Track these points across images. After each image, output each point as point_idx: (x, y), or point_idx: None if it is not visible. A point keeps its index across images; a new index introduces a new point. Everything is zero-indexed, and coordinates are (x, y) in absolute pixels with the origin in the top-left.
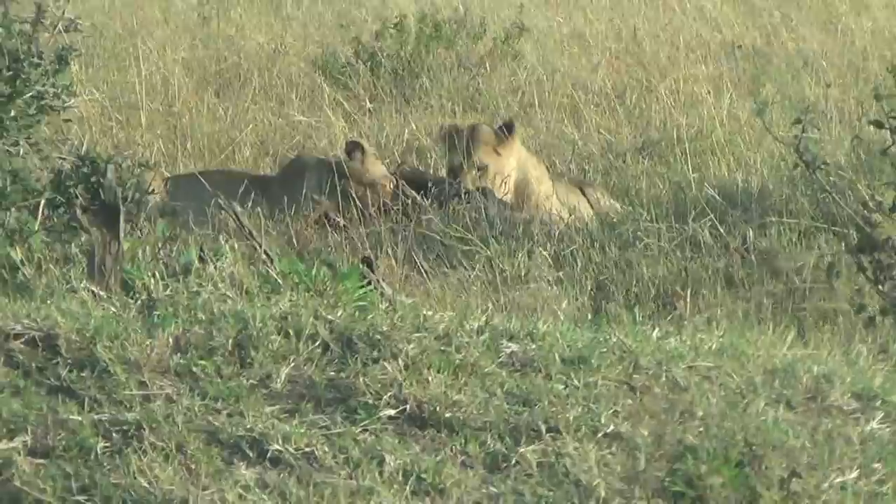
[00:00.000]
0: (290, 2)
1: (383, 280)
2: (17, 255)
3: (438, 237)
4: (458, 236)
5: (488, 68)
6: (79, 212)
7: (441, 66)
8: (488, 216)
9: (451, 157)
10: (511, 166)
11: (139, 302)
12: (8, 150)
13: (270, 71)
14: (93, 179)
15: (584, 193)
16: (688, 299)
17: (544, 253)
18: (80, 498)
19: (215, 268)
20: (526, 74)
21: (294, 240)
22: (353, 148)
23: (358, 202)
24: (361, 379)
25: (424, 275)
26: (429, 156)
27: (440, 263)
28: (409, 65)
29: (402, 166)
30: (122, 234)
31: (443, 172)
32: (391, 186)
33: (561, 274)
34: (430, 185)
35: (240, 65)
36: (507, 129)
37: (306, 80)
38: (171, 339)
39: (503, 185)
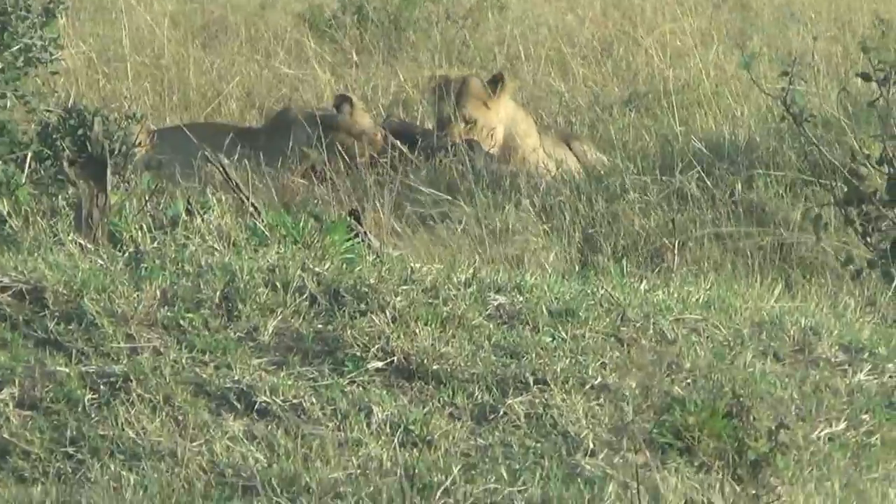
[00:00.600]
0: None
1: (370, 233)
2: (3, 207)
3: (425, 190)
4: (444, 197)
5: (475, 21)
6: (66, 164)
7: (427, 19)
8: (475, 169)
9: (439, 109)
10: (499, 120)
11: (126, 255)
12: None
13: (257, 24)
14: (80, 132)
15: (570, 147)
16: (675, 252)
17: (531, 206)
18: (69, 449)
19: (202, 220)
20: (511, 27)
21: (281, 192)
22: (341, 101)
23: (345, 155)
24: (349, 331)
25: (412, 228)
26: (416, 108)
27: (427, 216)
28: (396, 18)
29: (389, 119)
30: (108, 187)
31: (430, 125)
32: (379, 139)
33: (548, 226)
34: (417, 137)
35: (226, 18)
36: (497, 82)
37: (293, 33)
38: (158, 292)
39: (490, 137)
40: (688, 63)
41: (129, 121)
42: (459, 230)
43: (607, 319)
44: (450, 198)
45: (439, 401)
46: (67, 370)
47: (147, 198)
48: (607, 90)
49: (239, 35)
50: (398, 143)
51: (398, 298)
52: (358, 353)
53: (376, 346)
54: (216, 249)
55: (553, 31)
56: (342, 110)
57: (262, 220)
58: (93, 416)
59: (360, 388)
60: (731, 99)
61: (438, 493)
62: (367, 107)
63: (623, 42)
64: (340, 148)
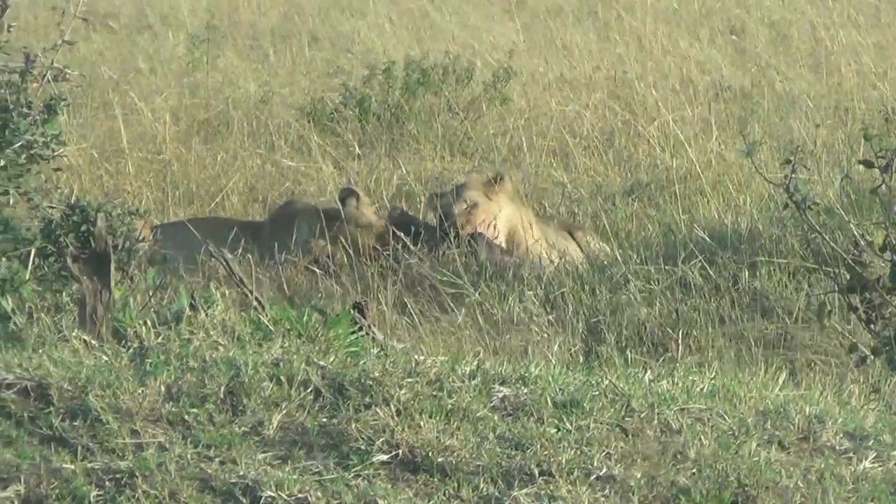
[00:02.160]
0: (278, 50)
1: (374, 325)
2: (7, 304)
3: (429, 281)
4: (449, 280)
5: (477, 113)
6: (69, 260)
7: (429, 111)
8: (479, 260)
9: (441, 202)
10: (501, 211)
11: (131, 350)
12: None
13: (258, 118)
14: (83, 228)
15: (573, 237)
16: (679, 341)
17: (534, 296)
18: None
19: (206, 315)
20: (514, 119)
21: (285, 286)
22: (347, 194)
23: (350, 247)
24: (353, 425)
25: (415, 319)
26: (418, 200)
27: (431, 308)
28: (397, 110)
29: (392, 211)
30: (112, 283)
31: (433, 218)
32: (384, 231)
33: (552, 317)
34: (420, 229)
35: (227, 112)
36: (497, 180)
37: (295, 126)
38: (162, 387)
39: (493, 228)
40: (689, 152)
41: (133, 216)
42: (463, 322)
43: (612, 410)
44: (453, 290)
45: (445, 493)
46: (73, 467)
47: (151, 293)
48: (609, 180)
49: (241, 129)
50: (401, 234)
51: (402, 391)
52: (363, 447)
53: (381, 440)
54: (220, 344)
55: (555, 121)
56: (348, 203)
57: (266, 315)
58: None
59: (366, 482)
60: (732, 188)
61: None
62: (370, 199)
63: (624, 132)
64: (345, 240)
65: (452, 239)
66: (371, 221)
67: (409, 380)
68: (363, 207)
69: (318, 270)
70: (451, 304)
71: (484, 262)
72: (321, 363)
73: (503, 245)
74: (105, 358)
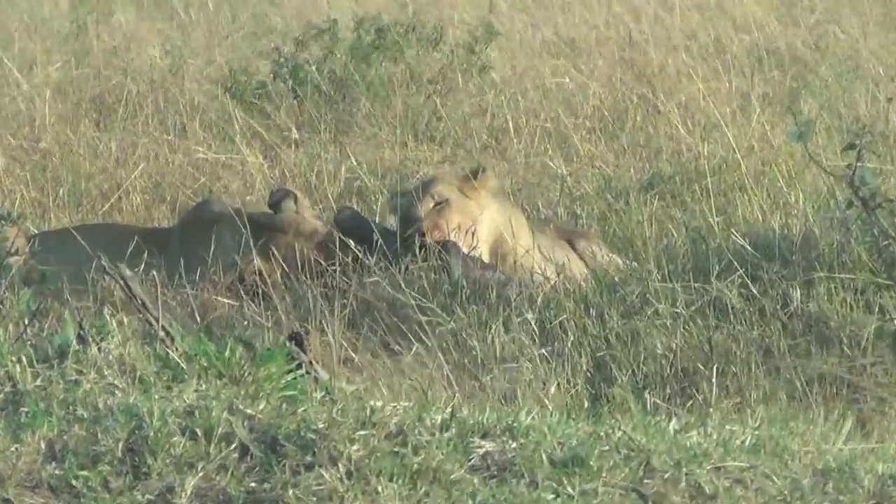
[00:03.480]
0: (190, 4)
1: (317, 362)
2: None
3: (388, 304)
4: (414, 304)
5: (448, 85)
6: None
7: (386, 83)
8: (452, 277)
9: (403, 203)
10: (481, 213)
11: (1, 396)
12: None
13: (166, 94)
14: None
15: (574, 246)
16: (713, 380)
17: (525, 324)
18: None
19: (99, 350)
20: (496, 93)
21: (198, 313)
22: (282, 196)
23: (285, 262)
24: (291, 491)
25: (371, 354)
26: (374, 199)
27: (391, 339)
28: (345, 83)
29: (341, 212)
30: None
31: (393, 221)
32: (330, 240)
33: (547, 350)
34: (375, 237)
35: (126, 87)
36: (477, 172)
37: (213, 105)
38: (43, 444)
39: (471, 235)
40: (724, 135)
41: (2, 223)
42: (433, 357)
43: (627, 469)
44: (420, 316)
45: None
46: None
47: (27, 322)
48: (621, 172)
49: (143, 108)
50: (352, 244)
51: (354, 447)
52: None
53: None
54: (117, 387)
55: (549, 96)
56: (283, 206)
57: (177, 349)
58: None
59: None
60: (781, 181)
61: None
62: (311, 199)
63: (640, 109)
64: (278, 253)
65: (418, 249)
66: (313, 228)
67: (362, 432)
68: (302, 210)
69: (243, 291)
70: (418, 334)
71: (458, 280)
72: (248, 411)
73: (484, 257)
74: None
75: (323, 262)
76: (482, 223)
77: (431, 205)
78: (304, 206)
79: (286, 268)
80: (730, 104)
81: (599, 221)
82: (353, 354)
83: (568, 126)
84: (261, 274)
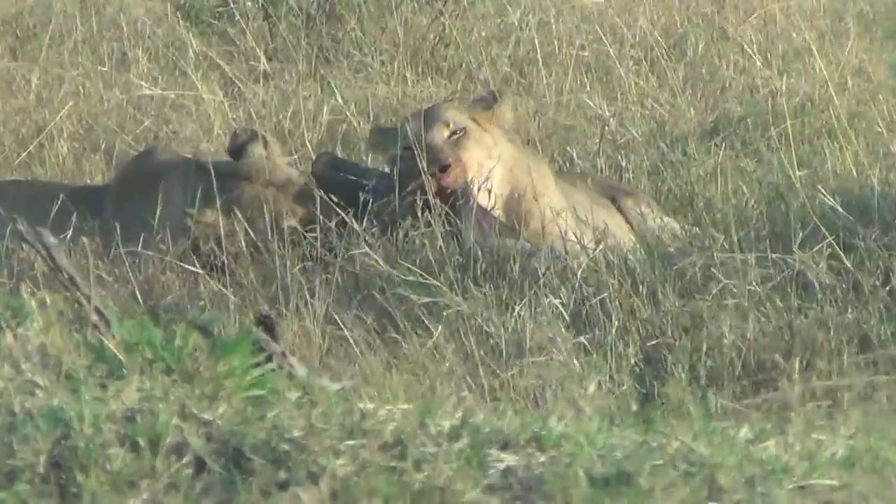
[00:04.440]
0: None
1: (292, 353)
2: None
3: (384, 279)
4: (416, 279)
5: (459, 4)
6: None
7: (381, 1)
8: (465, 243)
9: (412, 127)
10: (495, 149)
11: None
12: None
13: (102, 15)
14: None
15: (619, 206)
16: (795, 377)
17: (556, 305)
18: None
19: (15, 338)
20: (521, 13)
21: (145, 289)
22: (248, 139)
23: (251, 223)
24: None
25: (361, 343)
26: (362, 147)
27: (386, 324)
28: (328, 1)
29: (320, 158)
30: None
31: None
32: (307, 194)
33: (585, 338)
34: (365, 188)
35: (51, 5)
36: (492, 99)
37: (160, 27)
38: None
39: (485, 187)
40: (809, 67)
41: None
42: (440, 347)
43: (686, 489)
44: (423, 295)
45: None
46: None
47: None
48: (678, 113)
49: (70, 32)
50: (336, 199)
51: (340, 461)
52: None
53: None
54: (38, 385)
55: (588, 18)
56: (249, 152)
57: (114, 336)
58: None
59: None
60: (881, 124)
61: None
62: (285, 146)
63: (702, 34)
64: (243, 211)
65: (434, 196)
66: (287, 177)
67: (349, 442)
68: (273, 158)
69: (198, 263)
70: (421, 318)
71: (473, 245)
72: (205, 416)
73: (500, 217)
74: None
75: (300, 226)
76: (498, 169)
77: (446, 134)
78: (275, 152)
79: (252, 230)
80: (816, 27)
81: (650, 176)
82: (338, 344)
83: (611, 55)
84: (221, 238)
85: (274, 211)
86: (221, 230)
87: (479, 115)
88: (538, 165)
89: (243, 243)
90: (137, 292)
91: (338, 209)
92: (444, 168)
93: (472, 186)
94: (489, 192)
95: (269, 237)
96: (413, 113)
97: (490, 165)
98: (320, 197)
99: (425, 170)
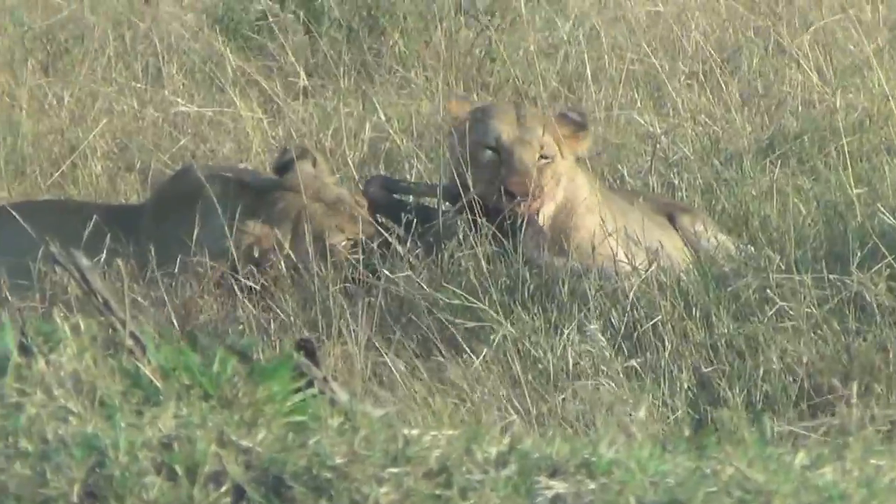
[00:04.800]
0: None
1: (334, 378)
2: None
3: (425, 305)
4: (460, 303)
5: (505, 17)
6: None
7: (425, 13)
8: (531, 261)
9: (486, 134)
10: (565, 179)
11: None
12: None
13: (136, 29)
14: None
15: (673, 223)
16: (853, 401)
17: (605, 327)
18: None
19: (47, 363)
20: (570, 25)
21: (177, 313)
22: (298, 154)
23: (294, 239)
24: None
25: (404, 368)
26: (406, 165)
27: (430, 348)
28: (371, 13)
29: (371, 182)
30: None
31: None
32: (357, 212)
33: (637, 362)
34: (408, 209)
35: (84, 20)
36: (580, 121)
37: (196, 42)
38: None
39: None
40: (867, 81)
41: None
42: (486, 371)
43: None
44: (467, 319)
45: None
46: None
47: None
48: (733, 129)
49: (105, 47)
50: (381, 223)
51: (383, 489)
52: None
53: None
54: (72, 412)
55: (639, 31)
56: (294, 170)
57: (149, 362)
58: None
59: None
60: None
61: None
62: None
63: (757, 48)
64: (289, 224)
65: (507, 220)
66: (339, 196)
67: (394, 469)
68: (323, 177)
69: (236, 286)
70: (466, 342)
71: (521, 266)
72: (245, 443)
73: (549, 236)
74: None
75: (348, 246)
76: (560, 191)
77: (537, 157)
78: (323, 171)
79: (298, 245)
80: (876, 39)
81: (704, 195)
82: (381, 369)
83: (662, 69)
84: (266, 252)
85: (324, 226)
86: (267, 242)
87: (564, 139)
88: (589, 182)
89: (282, 262)
90: (174, 316)
91: (381, 230)
92: (524, 193)
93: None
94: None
95: (314, 255)
96: (501, 108)
97: (557, 197)
98: (367, 219)
99: (505, 186)
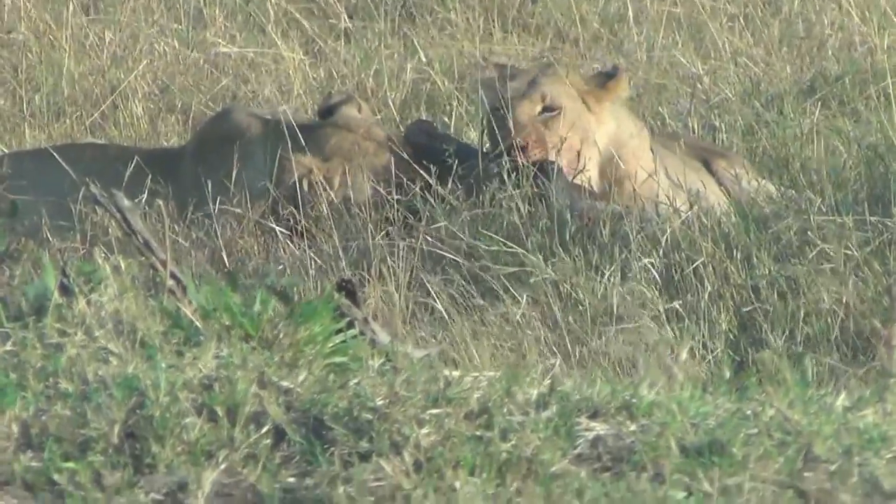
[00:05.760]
0: None
1: (375, 319)
2: None
3: (465, 247)
4: (499, 247)
5: None
6: None
7: None
8: (553, 206)
9: (487, 92)
10: (601, 131)
11: None
12: None
13: None
14: None
15: (711, 169)
16: (894, 341)
17: (647, 270)
18: None
19: (88, 304)
20: None
21: (223, 253)
22: (340, 102)
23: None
24: (342, 488)
25: (445, 310)
26: (448, 107)
27: (471, 291)
28: None
29: (415, 126)
30: None
31: (474, 134)
32: (399, 158)
33: (677, 304)
34: (449, 154)
35: None
36: (609, 77)
37: None
38: (15, 427)
39: (578, 158)
40: None
41: None
42: (527, 314)
43: (781, 458)
44: (508, 262)
45: None
46: None
47: None
48: (773, 71)
49: None
50: (424, 165)
51: (424, 430)
52: None
53: None
54: (112, 353)
55: None
56: (341, 113)
57: (190, 302)
58: None
59: None
60: None
61: None
62: (368, 105)
63: None
64: (342, 158)
65: (507, 171)
66: (385, 136)
67: (434, 411)
68: (368, 121)
69: (277, 227)
70: (506, 285)
71: (560, 211)
72: (285, 384)
73: (593, 183)
74: None
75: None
76: (596, 143)
77: (538, 110)
78: (368, 116)
79: (351, 179)
80: None
81: (744, 136)
82: (422, 310)
83: (704, 11)
84: (317, 188)
85: (375, 164)
86: (319, 175)
87: (590, 91)
88: (638, 130)
89: (324, 202)
90: (217, 256)
91: (424, 173)
92: (522, 147)
93: (559, 160)
94: (581, 159)
95: (368, 190)
96: (515, 70)
97: (587, 152)
98: (407, 160)
99: (501, 142)
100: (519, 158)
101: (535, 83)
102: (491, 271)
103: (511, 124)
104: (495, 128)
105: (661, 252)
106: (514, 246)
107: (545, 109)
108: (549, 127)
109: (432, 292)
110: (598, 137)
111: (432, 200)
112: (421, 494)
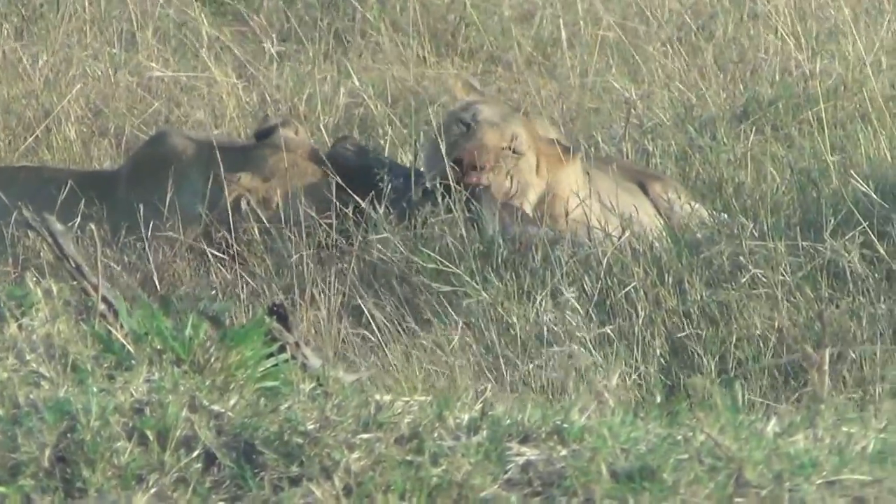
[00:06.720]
0: None
1: (306, 344)
2: None
3: (397, 269)
4: (434, 268)
5: None
6: None
7: None
8: (485, 232)
9: (460, 113)
10: (569, 188)
11: None
12: None
13: None
14: None
15: (646, 191)
16: (826, 367)
17: (578, 294)
18: None
19: (20, 328)
20: None
21: (154, 278)
22: (277, 125)
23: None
24: None
25: (378, 333)
26: (380, 131)
27: (403, 314)
28: None
29: (339, 144)
30: None
31: (413, 156)
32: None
33: (609, 329)
34: (382, 176)
35: None
36: (567, 149)
37: (171, 7)
38: None
39: (511, 182)
40: (843, 47)
41: None
42: (460, 339)
43: (712, 484)
44: (442, 285)
45: None
46: None
47: None
48: (707, 96)
49: (78, 13)
50: (352, 187)
51: (355, 455)
52: None
53: None
54: (43, 377)
55: None
56: (278, 135)
57: (122, 326)
58: None
59: None
60: None
61: None
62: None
63: (732, 13)
64: (281, 178)
65: (439, 193)
66: (321, 160)
67: (365, 435)
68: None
69: (209, 251)
70: (439, 309)
71: (493, 236)
72: (216, 408)
73: (526, 208)
74: None
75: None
76: (533, 193)
77: (503, 145)
78: (304, 139)
79: (290, 198)
80: (852, 4)
81: (678, 161)
82: (354, 334)
83: (637, 35)
84: (263, 200)
85: (315, 185)
86: (257, 195)
87: (546, 156)
88: (574, 164)
89: (255, 227)
90: (150, 280)
91: (356, 196)
92: (479, 168)
93: (493, 185)
94: (515, 185)
95: (309, 208)
96: (490, 99)
97: (529, 196)
98: (337, 183)
99: (452, 158)
100: (465, 176)
101: (510, 120)
102: (424, 295)
103: (475, 142)
104: (454, 134)
105: (593, 277)
106: (449, 265)
107: (510, 149)
108: (505, 164)
109: (366, 314)
110: (537, 192)
111: (365, 224)
112: None
